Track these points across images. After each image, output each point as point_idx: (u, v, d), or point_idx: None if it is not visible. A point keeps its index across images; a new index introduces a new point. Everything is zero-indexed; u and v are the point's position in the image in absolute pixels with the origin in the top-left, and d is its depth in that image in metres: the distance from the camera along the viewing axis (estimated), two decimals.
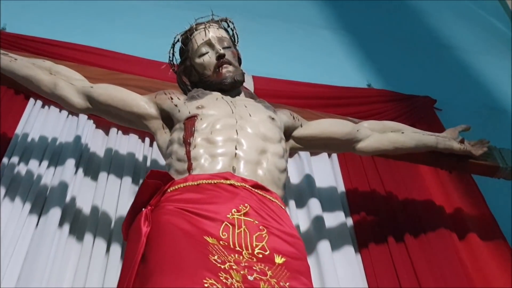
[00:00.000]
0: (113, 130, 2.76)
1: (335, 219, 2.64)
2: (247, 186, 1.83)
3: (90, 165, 2.61)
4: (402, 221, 2.64)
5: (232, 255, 1.60)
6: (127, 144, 2.73)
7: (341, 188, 2.82)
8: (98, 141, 2.73)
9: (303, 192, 2.72)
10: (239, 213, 1.73)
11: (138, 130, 2.66)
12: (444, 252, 2.53)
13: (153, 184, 1.78)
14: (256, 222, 1.74)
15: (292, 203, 2.62)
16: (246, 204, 1.76)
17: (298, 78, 3.29)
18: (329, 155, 2.96)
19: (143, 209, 1.74)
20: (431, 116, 3.31)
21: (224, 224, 1.69)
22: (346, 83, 3.39)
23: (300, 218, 2.60)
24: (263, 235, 1.71)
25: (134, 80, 2.51)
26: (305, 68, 3.51)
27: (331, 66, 3.60)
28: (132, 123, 2.21)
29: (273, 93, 2.96)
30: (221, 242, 1.64)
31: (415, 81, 3.64)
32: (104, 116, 2.24)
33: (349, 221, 2.66)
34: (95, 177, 2.56)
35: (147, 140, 2.78)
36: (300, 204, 2.68)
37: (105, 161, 2.61)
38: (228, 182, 1.82)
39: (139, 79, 2.57)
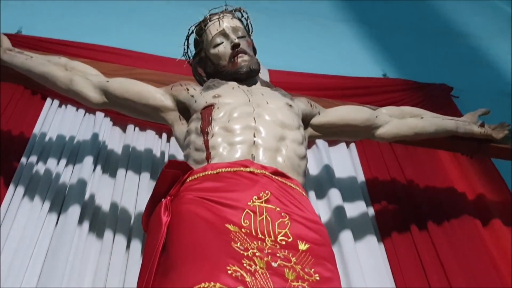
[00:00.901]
0: (130, 127, 2.75)
1: (356, 209, 2.61)
2: (267, 173, 1.79)
3: (108, 162, 2.59)
4: (424, 209, 2.60)
5: (255, 242, 1.56)
6: (144, 140, 2.71)
7: (361, 177, 2.78)
8: (115, 138, 2.72)
9: (322, 183, 2.69)
10: (260, 200, 1.69)
11: (155, 125, 2.70)
12: (469, 239, 2.47)
13: (171, 174, 1.74)
14: (278, 209, 1.69)
15: (312, 194, 2.59)
16: (267, 191, 1.72)
17: (314, 71, 3.26)
18: (347, 145, 2.93)
19: (163, 199, 1.70)
20: (448, 103, 3.26)
21: (245, 211, 1.65)
22: (362, 73, 3.36)
23: (321, 209, 2.57)
24: (286, 222, 1.67)
25: (149, 75, 2.48)
26: (321, 60, 3.47)
27: (346, 58, 3.56)
28: (149, 116, 2.18)
29: (290, 85, 2.89)
30: (243, 229, 1.59)
31: (431, 69, 3.58)
32: (121, 110, 2.22)
33: (371, 211, 2.62)
34: (113, 174, 2.54)
35: (164, 135, 2.77)
36: (320, 195, 2.65)
37: (123, 158, 2.59)
38: (247, 169, 1.78)
39: (154, 73, 2.54)
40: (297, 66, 3.23)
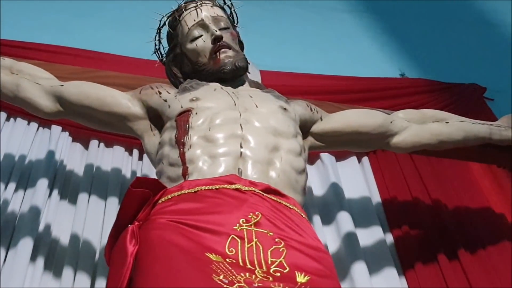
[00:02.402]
0: (94, 143, 2.73)
1: (371, 236, 2.60)
2: (257, 190, 1.77)
3: (67, 185, 2.58)
4: (454, 234, 2.59)
5: (243, 274, 1.53)
6: (111, 158, 2.70)
7: (376, 197, 2.77)
8: (76, 157, 2.70)
9: (329, 205, 2.69)
10: (249, 224, 1.67)
11: (124, 140, 2.70)
12: (509, 269, 2.46)
13: (140, 194, 1.72)
14: (271, 233, 1.67)
15: (317, 219, 2.58)
16: (256, 212, 1.70)
17: (317, 71, 3.27)
18: (359, 159, 2.93)
19: (129, 225, 1.68)
20: (480, 107, 3.27)
21: (230, 237, 1.62)
22: (375, 73, 3.37)
23: (328, 236, 2.56)
24: (280, 249, 1.64)
25: (114, 78, 2.49)
26: (325, 59, 3.48)
27: (356, 55, 3.57)
28: (114, 126, 2.17)
29: (287, 89, 2.89)
30: (227, 259, 1.57)
31: (458, 66, 3.59)
32: (79, 120, 2.21)
33: (389, 238, 2.62)
34: (73, 200, 2.52)
35: (136, 152, 2.75)
36: (327, 219, 2.64)
37: (85, 180, 2.57)
38: (233, 186, 1.76)
39: (121, 76, 2.55)
40: (296, 66, 3.23)
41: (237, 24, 2.34)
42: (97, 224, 2.43)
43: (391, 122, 2.31)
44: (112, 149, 2.74)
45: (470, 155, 2.61)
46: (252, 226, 1.67)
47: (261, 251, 1.62)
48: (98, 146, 2.73)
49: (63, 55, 2.93)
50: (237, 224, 1.66)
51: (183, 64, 2.23)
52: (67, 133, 2.75)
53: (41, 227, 2.35)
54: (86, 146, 2.76)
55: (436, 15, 4.02)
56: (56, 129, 2.72)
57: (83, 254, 2.31)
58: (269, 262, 1.60)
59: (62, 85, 2.17)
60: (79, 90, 2.15)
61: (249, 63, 2.30)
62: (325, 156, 2.85)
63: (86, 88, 2.16)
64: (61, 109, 2.17)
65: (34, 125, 2.75)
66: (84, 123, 2.22)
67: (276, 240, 1.66)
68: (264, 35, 3.25)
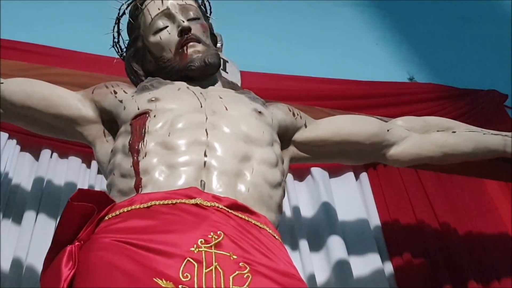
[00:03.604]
0: (46, 152, 2.73)
1: (367, 265, 2.61)
2: (220, 206, 1.73)
3: (12, 201, 2.58)
4: (465, 265, 2.60)
5: None
6: (66, 171, 2.70)
7: (375, 220, 2.78)
8: (24, 168, 2.70)
9: (319, 228, 2.69)
10: (208, 245, 1.63)
11: (81, 149, 2.70)
12: None
13: (82, 209, 1.69)
14: (234, 256, 1.63)
15: (304, 244, 2.59)
16: (218, 232, 1.66)
17: (309, 73, 3.28)
18: (356, 175, 2.93)
19: (68, 245, 1.65)
20: (501, 116, 3.29)
21: (185, 260, 1.58)
22: (380, 76, 3.38)
23: (316, 265, 2.56)
24: (245, 275, 1.60)
25: (67, 76, 2.49)
26: (321, 59, 3.51)
27: (356, 55, 3.59)
28: (63, 132, 2.15)
29: (272, 93, 2.91)
30: (180, 286, 1.53)
31: (474, 71, 3.62)
32: (22, 124, 2.19)
33: (388, 268, 2.63)
34: (18, 219, 2.51)
35: (94, 164, 2.74)
36: (316, 245, 2.65)
37: (34, 196, 2.57)
38: (192, 201, 1.72)
39: (74, 73, 2.56)
40: (284, 66, 3.25)
41: (210, 14, 2.33)
42: (45, 248, 2.27)
43: (388, 130, 2.29)
44: (66, 160, 2.74)
45: (484, 171, 2.58)
46: (212, 247, 1.63)
47: (222, 277, 1.58)
48: (51, 157, 2.73)
49: (7, 49, 2.90)
50: (195, 245, 1.62)
51: (146, 59, 2.22)
52: (14, 140, 2.75)
53: None
54: (36, 156, 2.75)
55: (451, 12, 4.03)
56: (1, 136, 2.72)
57: (25, 283, 2.30)
58: None
59: (2, 83, 2.15)
60: (21, 89, 2.12)
61: (227, 61, 2.27)
62: (316, 171, 2.85)
63: (29, 87, 2.14)
64: (0, 111, 2.15)
65: None
66: (29, 128, 2.21)
67: (241, 264, 1.62)
68: (247, 30, 3.25)
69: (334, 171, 2.91)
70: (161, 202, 1.72)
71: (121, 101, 2.06)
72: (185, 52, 2.12)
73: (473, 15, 4.03)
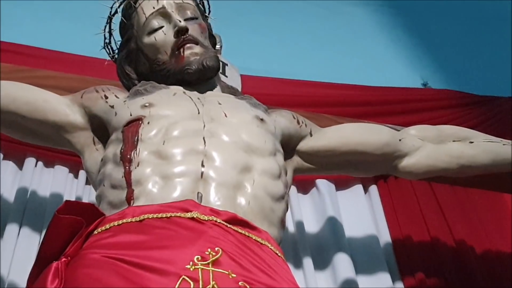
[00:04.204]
0: (30, 161, 2.74)
1: (376, 284, 2.63)
2: (219, 221, 1.73)
3: None
4: (483, 286, 2.60)
5: None
6: (51, 181, 2.71)
7: (385, 236, 2.79)
8: (6, 178, 2.71)
9: (325, 244, 2.70)
10: (205, 262, 1.62)
11: (68, 158, 2.70)
12: None
13: (69, 223, 1.69)
14: (233, 275, 1.62)
15: (308, 262, 2.59)
16: (216, 248, 1.65)
17: (316, 78, 3.29)
18: (365, 188, 2.95)
19: (54, 262, 1.64)
20: None
21: (181, 279, 1.57)
22: (391, 82, 3.40)
23: (322, 284, 2.57)
24: None
25: (55, 79, 2.52)
26: (329, 63, 3.52)
27: (367, 59, 3.61)
28: (49, 139, 2.16)
29: (275, 99, 2.93)
30: None
31: (493, 77, 3.63)
32: (6, 131, 2.19)
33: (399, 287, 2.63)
34: None
35: (82, 174, 2.75)
36: (322, 263, 2.66)
37: (17, 207, 2.58)
38: (188, 215, 1.72)
39: (63, 77, 2.58)
40: (289, 71, 3.25)
41: (209, 14, 2.34)
42: (28, 264, 2.32)
43: (400, 140, 2.30)
44: (52, 170, 2.75)
45: (503, 185, 2.59)
46: (210, 265, 1.62)
47: None
48: (35, 166, 2.74)
49: None
50: (191, 263, 1.61)
51: (139, 62, 2.24)
52: None
53: None
54: (20, 164, 2.77)
55: (468, 13, 4.06)
56: None
57: None
58: None
59: None
60: (5, 93, 2.12)
61: (227, 64, 2.28)
62: (322, 183, 2.86)
63: (13, 90, 2.14)
64: None
65: None
66: (12, 135, 2.21)
67: (240, 283, 1.61)
68: (249, 30, 3.26)
69: (341, 184, 2.92)
70: (155, 216, 1.72)
71: (112, 107, 2.06)
72: (182, 54, 2.14)
73: (493, 17, 4.05)
